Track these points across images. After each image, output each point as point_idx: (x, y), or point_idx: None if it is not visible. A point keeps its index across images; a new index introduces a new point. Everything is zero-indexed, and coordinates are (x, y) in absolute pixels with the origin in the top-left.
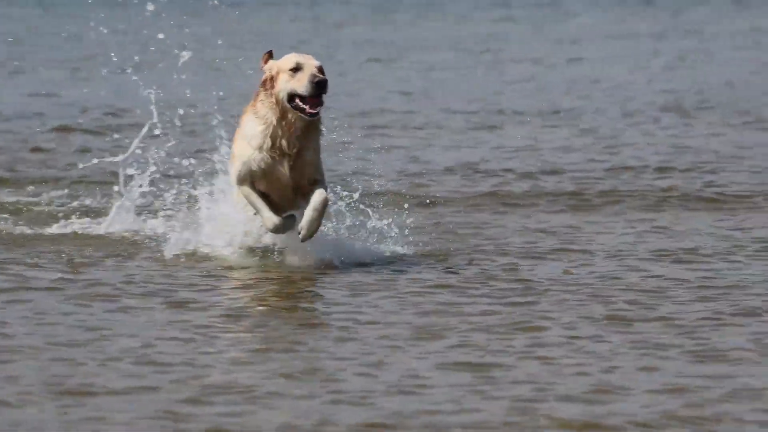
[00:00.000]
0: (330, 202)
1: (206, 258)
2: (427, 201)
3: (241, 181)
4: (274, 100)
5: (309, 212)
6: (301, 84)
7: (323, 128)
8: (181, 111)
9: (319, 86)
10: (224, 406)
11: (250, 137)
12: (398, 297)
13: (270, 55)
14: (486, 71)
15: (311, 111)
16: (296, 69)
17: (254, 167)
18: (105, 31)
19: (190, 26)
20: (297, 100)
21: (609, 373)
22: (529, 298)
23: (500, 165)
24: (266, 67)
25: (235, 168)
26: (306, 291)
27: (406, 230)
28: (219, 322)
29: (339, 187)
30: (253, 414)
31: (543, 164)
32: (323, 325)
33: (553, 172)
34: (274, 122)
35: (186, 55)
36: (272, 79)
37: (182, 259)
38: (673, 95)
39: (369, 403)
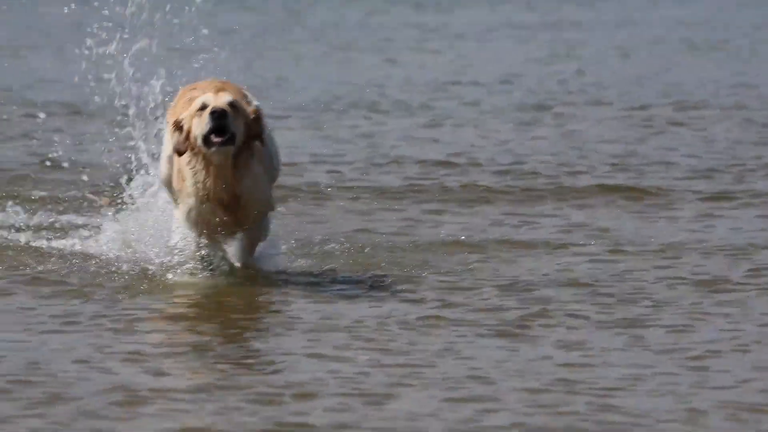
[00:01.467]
0: (266, 236)
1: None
2: None
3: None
4: (197, 150)
5: (238, 250)
6: (204, 122)
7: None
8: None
9: (214, 117)
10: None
11: (188, 184)
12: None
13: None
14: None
15: (217, 140)
16: (204, 108)
17: (192, 219)
18: None
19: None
20: (210, 136)
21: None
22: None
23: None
24: (182, 118)
25: (179, 212)
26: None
27: None
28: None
29: None
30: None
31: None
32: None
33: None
34: (203, 170)
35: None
36: (189, 131)
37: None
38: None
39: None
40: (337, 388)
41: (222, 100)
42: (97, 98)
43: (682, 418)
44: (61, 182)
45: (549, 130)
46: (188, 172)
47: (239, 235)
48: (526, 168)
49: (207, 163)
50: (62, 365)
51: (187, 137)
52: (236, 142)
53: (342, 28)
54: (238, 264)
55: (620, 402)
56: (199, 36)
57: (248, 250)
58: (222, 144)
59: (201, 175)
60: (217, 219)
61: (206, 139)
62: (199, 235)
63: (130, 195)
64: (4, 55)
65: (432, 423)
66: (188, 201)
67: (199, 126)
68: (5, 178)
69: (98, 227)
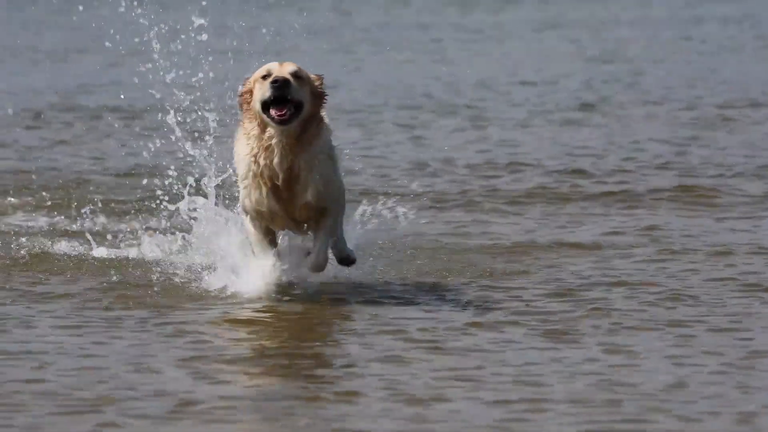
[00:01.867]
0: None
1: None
2: None
3: (245, 214)
4: (253, 115)
5: (313, 250)
6: (264, 89)
7: (332, 144)
8: None
9: (275, 86)
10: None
11: (240, 161)
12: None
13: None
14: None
15: (278, 115)
16: (267, 76)
17: (248, 201)
18: None
19: None
20: (270, 110)
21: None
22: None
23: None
24: (248, 80)
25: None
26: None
27: None
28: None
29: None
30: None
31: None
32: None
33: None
34: (256, 138)
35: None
36: (250, 92)
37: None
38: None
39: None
40: (384, 391)
41: (285, 69)
42: (149, 103)
43: (730, 421)
44: (112, 187)
45: (597, 131)
46: (244, 147)
47: (313, 241)
48: (574, 168)
49: (263, 134)
50: (112, 370)
51: (250, 99)
52: (304, 110)
53: (391, 28)
54: (311, 273)
55: (667, 404)
56: (251, 38)
57: (319, 255)
58: (283, 121)
59: (256, 147)
60: (268, 203)
61: (264, 106)
62: (260, 232)
63: (185, 217)
64: (55, 60)
65: (479, 425)
66: (243, 184)
67: (260, 91)
68: (56, 183)
69: (145, 234)
